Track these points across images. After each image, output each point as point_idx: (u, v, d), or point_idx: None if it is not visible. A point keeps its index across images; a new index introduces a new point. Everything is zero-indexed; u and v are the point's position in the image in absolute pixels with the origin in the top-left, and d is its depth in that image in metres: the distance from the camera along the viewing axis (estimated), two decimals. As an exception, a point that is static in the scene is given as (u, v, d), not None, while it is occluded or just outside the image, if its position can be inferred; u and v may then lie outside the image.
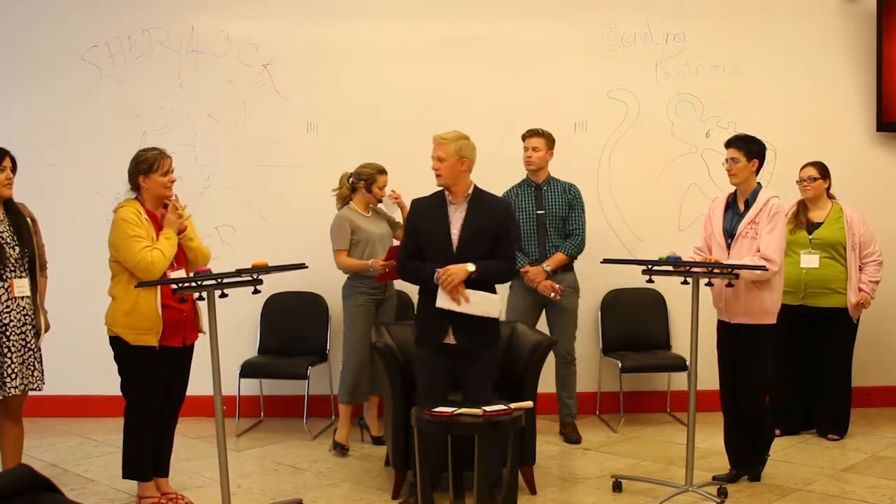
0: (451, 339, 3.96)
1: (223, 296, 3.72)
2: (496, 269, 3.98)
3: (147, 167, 4.07)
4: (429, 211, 4.03)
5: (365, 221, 5.19)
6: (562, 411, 5.46)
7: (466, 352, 3.97)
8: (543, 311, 5.42)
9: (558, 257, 5.30)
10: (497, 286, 4.06)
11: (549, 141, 5.37)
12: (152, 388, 4.09)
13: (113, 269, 4.10)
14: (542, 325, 5.39)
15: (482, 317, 3.93)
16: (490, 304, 3.94)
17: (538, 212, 5.35)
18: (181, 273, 4.11)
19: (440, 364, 4.00)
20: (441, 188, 4.04)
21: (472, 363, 3.98)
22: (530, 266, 5.29)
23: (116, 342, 4.06)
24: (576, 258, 5.40)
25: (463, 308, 3.88)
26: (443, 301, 3.88)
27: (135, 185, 4.13)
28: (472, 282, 3.90)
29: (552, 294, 5.23)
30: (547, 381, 5.28)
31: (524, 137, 5.37)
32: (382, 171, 5.19)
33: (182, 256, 4.19)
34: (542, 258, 5.31)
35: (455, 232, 3.96)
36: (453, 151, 3.93)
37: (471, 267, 3.85)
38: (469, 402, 3.70)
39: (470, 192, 4.01)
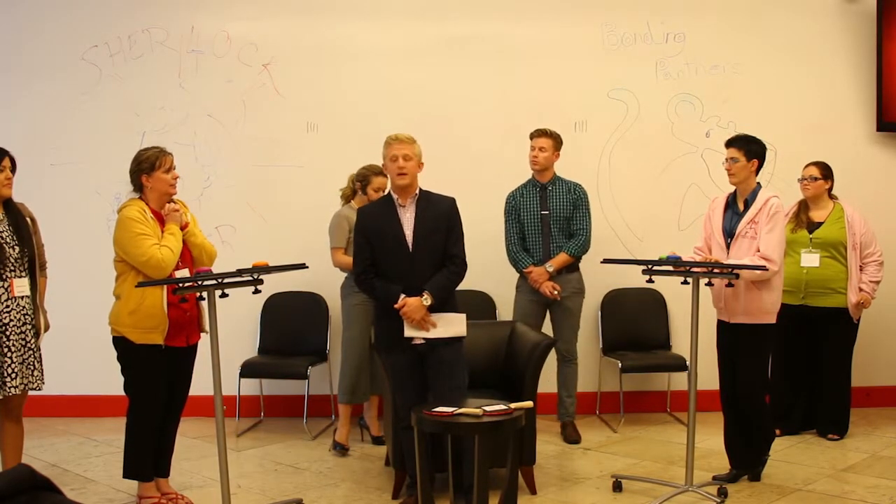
0: (418, 340, 4.00)
1: (223, 296, 3.73)
2: (448, 283, 4.03)
3: (149, 166, 4.08)
4: (379, 216, 4.09)
5: None
6: (560, 410, 5.47)
7: (433, 349, 4.00)
8: (548, 312, 5.43)
9: (561, 258, 5.30)
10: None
11: (557, 142, 5.36)
12: (156, 388, 4.09)
13: (118, 268, 4.10)
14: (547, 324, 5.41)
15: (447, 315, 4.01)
16: (457, 324, 4.03)
17: (542, 212, 5.35)
18: (185, 272, 4.11)
19: (409, 365, 4.05)
20: (387, 192, 4.14)
21: (440, 360, 4.01)
22: (534, 266, 5.29)
23: (120, 342, 4.06)
24: (580, 258, 5.40)
25: (432, 333, 3.97)
26: (410, 331, 3.97)
27: (138, 185, 4.13)
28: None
29: (553, 293, 5.24)
30: (547, 381, 5.28)
31: (532, 137, 5.36)
32: (378, 173, 5.15)
33: (187, 254, 4.19)
34: (547, 258, 5.31)
35: (408, 232, 4.01)
36: (417, 151, 4.04)
37: (427, 300, 3.93)
38: (442, 399, 3.76)
39: (417, 193, 4.07)
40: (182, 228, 4.15)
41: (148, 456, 4.15)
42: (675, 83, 6.06)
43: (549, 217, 5.34)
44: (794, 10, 6.06)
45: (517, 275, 5.42)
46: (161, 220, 4.12)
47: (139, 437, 4.12)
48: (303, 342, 5.88)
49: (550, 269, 5.27)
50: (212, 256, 4.28)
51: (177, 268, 4.07)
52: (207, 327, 4.18)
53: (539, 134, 5.34)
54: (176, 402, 4.24)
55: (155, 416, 4.13)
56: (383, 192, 5.08)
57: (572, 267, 5.37)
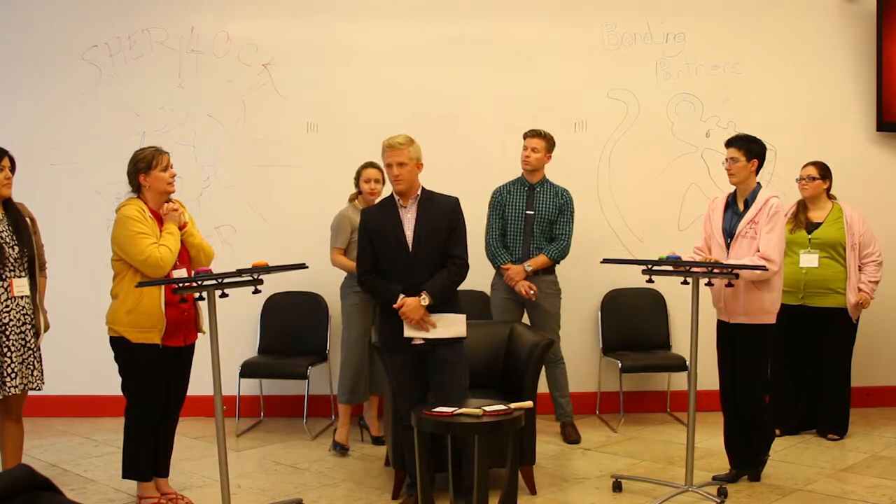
0: (418, 340, 3.99)
1: (223, 296, 3.72)
2: (448, 284, 4.02)
3: (146, 165, 4.08)
4: (380, 217, 4.08)
5: None
6: (557, 411, 5.47)
7: (433, 349, 4.00)
8: (525, 311, 5.42)
9: (540, 259, 5.31)
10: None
11: (550, 143, 5.36)
12: (153, 388, 4.09)
13: (115, 267, 4.10)
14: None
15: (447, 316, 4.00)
16: (457, 324, 4.02)
17: (527, 211, 5.35)
18: (183, 272, 4.11)
19: (410, 365, 4.04)
20: (390, 193, 4.12)
21: (440, 360, 4.01)
22: (512, 264, 5.30)
23: (118, 342, 4.06)
24: (558, 262, 5.40)
25: (431, 333, 3.96)
26: (410, 331, 3.96)
27: (136, 186, 4.14)
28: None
29: (529, 293, 5.23)
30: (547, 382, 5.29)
31: (525, 136, 5.37)
32: (368, 165, 5.18)
33: (185, 255, 4.19)
34: (525, 258, 5.32)
35: (409, 234, 4.01)
36: (413, 155, 4.00)
37: (425, 301, 3.93)
38: (443, 399, 3.75)
39: (419, 193, 4.06)
40: (180, 228, 4.15)
41: (147, 456, 4.15)
42: (675, 83, 6.06)
43: (534, 218, 5.35)
44: (793, 10, 6.06)
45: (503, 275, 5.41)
46: (159, 220, 4.12)
47: (137, 437, 4.12)
48: (303, 342, 5.88)
49: (529, 269, 5.28)
50: (209, 256, 4.28)
51: (174, 267, 4.08)
52: (205, 328, 4.20)
53: (533, 134, 5.34)
54: (174, 402, 4.24)
55: (153, 415, 4.13)
56: (375, 182, 5.14)
57: (548, 269, 5.38)
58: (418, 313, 3.93)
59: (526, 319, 5.42)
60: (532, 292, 5.25)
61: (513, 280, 5.27)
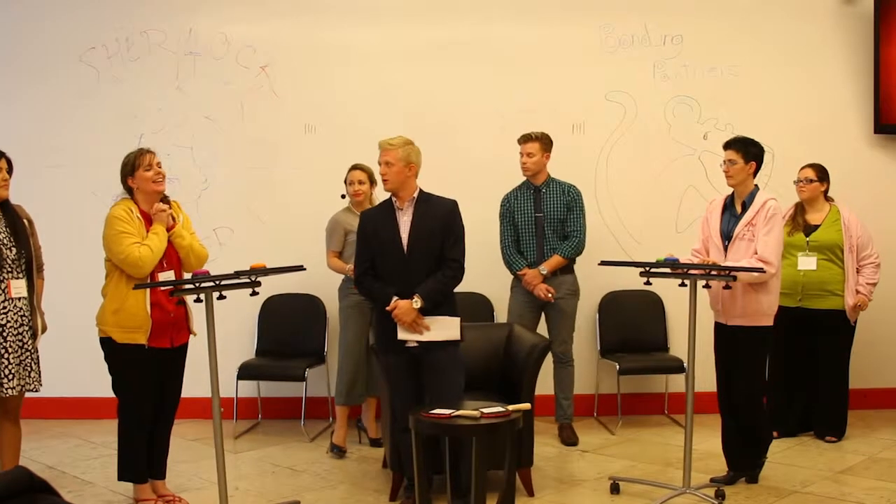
0: (412, 343, 4.00)
1: (221, 297, 3.72)
2: (441, 287, 4.01)
3: (131, 167, 4.12)
4: (378, 219, 4.10)
5: (356, 221, 5.18)
6: (558, 412, 5.47)
7: (428, 351, 4.00)
8: (543, 313, 5.43)
9: (555, 260, 5.30)
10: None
11: (545, 144, 5.35)
12: (142, 388, 4.09)
13: (107, 268, 4.13)
14: (542, 327, 5.41)
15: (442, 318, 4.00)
16: (451, 327, 4.02)
17: (536, 214, 5.35)
18: (170, 274, 4.11)
19: (405, 367, 4.04)
20: (389, 195, 4.12)
21: (434, 363, 4.01)
22: (528, 269, 5.29)
23: (106, 342, 4.08)
24: (574, 260, 5.39)
25: (425, 336, 3.97)
26: (403, 334, 3.97)
27: (127, 189, 4.17)
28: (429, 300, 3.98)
29: (547, 296, 5.24)
30: (545, 383, 5.28)
31: (519, 142, 5.36)
32: (353, 167, 5.22)
33: (174, 256, 4.19)
34: (541, 260, 5.31)
35: (404, 236, 4.01)
36: (401, 156, 4.00)
37: (417, 303, 3.93)
38: (438, 402, 3.75)
39: (415, 195, 4.06)
40: (168, 229, 4.15)
41: (140, 457, 4.15)
42: (673, 85, 6.07)
43: (543, 219, 5.34)
44: (791, 12, 6.07)
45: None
46: (149, 220, 4.12)
47: (130, 439, 4.12)
48: (300, 344, 5.87)
49: (544, 272, 5.27)
50: (200, 258, 4.26)
51: (161, 268, 4.08)
52: (195, 328, 4.20)
53: (525, 139, 5.33)
54: (168, 404, 4.24)
55: (144, 416, 4.13)
56: (359, 184, 5.17)
57: (567, 269, 5.37)
58: (410, 316, 3.93)
59: (545, 322, 5.42)
60: (550, 295, 5.25)
61: (530, 285, 5.27)
